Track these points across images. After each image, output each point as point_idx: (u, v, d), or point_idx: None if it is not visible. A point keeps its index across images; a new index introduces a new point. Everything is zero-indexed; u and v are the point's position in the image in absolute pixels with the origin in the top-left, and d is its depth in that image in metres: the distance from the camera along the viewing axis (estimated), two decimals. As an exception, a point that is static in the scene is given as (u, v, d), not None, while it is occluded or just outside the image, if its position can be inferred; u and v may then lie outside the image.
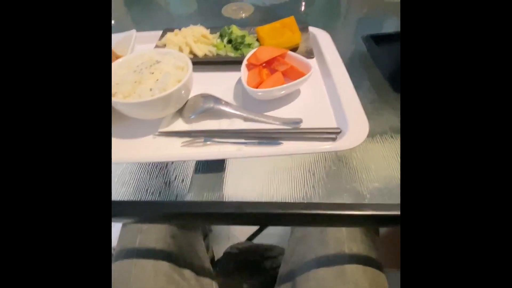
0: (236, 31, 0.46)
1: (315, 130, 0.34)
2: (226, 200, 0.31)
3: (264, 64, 0.40)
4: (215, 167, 0.34)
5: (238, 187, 0.32)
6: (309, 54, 0.44)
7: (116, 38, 0.47)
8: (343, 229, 0.41)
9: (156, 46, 0.47)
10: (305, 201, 0.30)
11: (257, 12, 0.65)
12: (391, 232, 0.58)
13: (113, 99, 0.32)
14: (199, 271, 0.45)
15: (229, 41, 0.46)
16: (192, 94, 0.38)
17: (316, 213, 0.29)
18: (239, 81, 0.42)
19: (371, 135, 0.33)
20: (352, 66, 0.44)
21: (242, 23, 0.55)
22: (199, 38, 0.46)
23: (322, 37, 0.47)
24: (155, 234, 0.43)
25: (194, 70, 0.36)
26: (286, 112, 0.37)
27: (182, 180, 0.33)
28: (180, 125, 0.37)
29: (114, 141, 0.34)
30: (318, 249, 0.40)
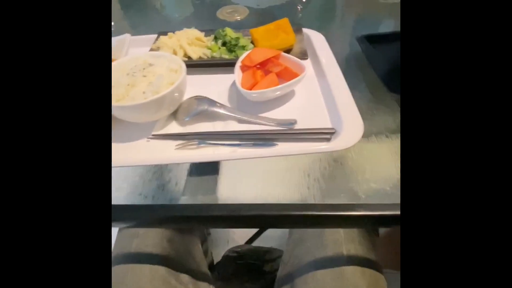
0: (230, 33, 0.46)
1: (310, 130, 0.33)
2: (221, 202, 0.31)
3: (258, 66, 0.40)
4: (210, 169, 0.34)
5: (233, 189, 0.32)
6: (303, 55, 0.44)
7: (111, 42, 0.47)
8: (341, 230, 0.40)
9: (151, 50, 0.47)
10: (301, 203, 0.30)
11: (252, 14, 0.65)
12: (391, 232, 0.58)
13: (106, 103, 0.32)
14: (197, 276, 0.45)
15: (224, 44, 0.46)
16: (187, 96, 0.38)
17: (311, 214, 0.29)
18: (234, 83, 0.42)
19: (366, 135, 0.33)
20: (347, 66, 0.44)
21: (237, 26, 0.55)
22: (193, 41, 0.46)
23: (316, 39, 0.47)
24: (151, 239, 0.43)
25: (189, 72, 0.36)
26: (280, 113, 0.37)
27: (176, 183, 0.33)
28: (174, 127, 0.36)
29: (108, 145, 0.34)
30: (316, 251, 0.40)
